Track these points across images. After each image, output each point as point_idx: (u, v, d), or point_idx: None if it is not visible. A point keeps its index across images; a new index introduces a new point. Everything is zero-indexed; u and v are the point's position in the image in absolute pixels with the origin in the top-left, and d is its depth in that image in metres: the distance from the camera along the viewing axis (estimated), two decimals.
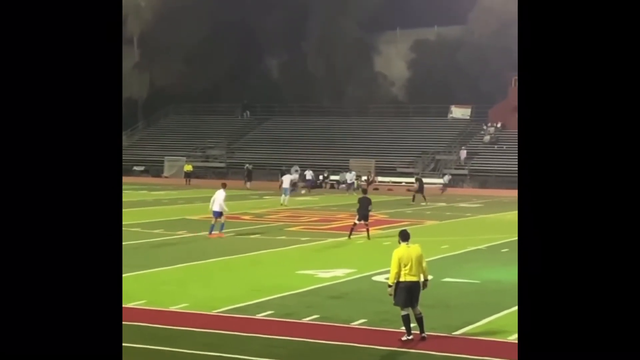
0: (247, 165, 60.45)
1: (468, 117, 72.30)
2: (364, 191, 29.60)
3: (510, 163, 61.22)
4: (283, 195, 42.13)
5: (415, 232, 30.13)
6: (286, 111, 76.68)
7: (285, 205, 40.59)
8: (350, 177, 56.77)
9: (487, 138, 67.79)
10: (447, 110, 73.25)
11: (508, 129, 68.37)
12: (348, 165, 63.40)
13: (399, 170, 64.25)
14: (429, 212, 39.61)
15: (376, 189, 57.73)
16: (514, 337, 13.24)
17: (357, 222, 26.86)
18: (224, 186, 27.46)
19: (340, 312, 15.06)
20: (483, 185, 60.74)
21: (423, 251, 13.14)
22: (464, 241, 26.57)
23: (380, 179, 59.78)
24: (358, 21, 79.12)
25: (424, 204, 43.60)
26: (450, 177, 54.48)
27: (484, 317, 14.66)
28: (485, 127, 69.36)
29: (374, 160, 64.53)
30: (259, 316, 14.62)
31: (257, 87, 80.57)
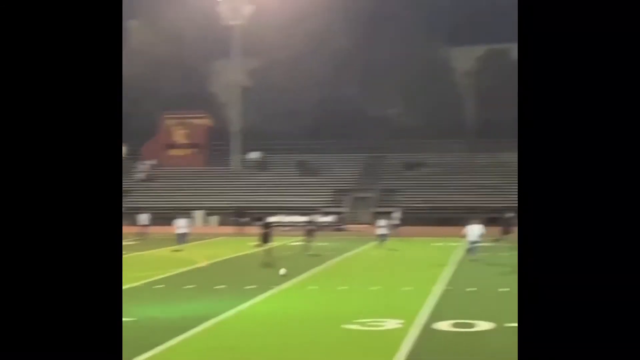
0: None
1: (123, 155, 72.18)
2: None
3: (166, 199, 61.90)
4: None
5: None
6: None
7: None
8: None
9: (141, 175, 68.08)
10: None
11: (162, 167, 69.21)
12: None
13: None
14: None
15: None
16: None
17: None
18: None
19: None
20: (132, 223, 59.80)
21: None
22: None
23: None
24: None
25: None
26: (149, 215, 51.36)
27: (141, 354, 14.71)
28: (140, 165, 69.65)
29: None
30: None
31: None
